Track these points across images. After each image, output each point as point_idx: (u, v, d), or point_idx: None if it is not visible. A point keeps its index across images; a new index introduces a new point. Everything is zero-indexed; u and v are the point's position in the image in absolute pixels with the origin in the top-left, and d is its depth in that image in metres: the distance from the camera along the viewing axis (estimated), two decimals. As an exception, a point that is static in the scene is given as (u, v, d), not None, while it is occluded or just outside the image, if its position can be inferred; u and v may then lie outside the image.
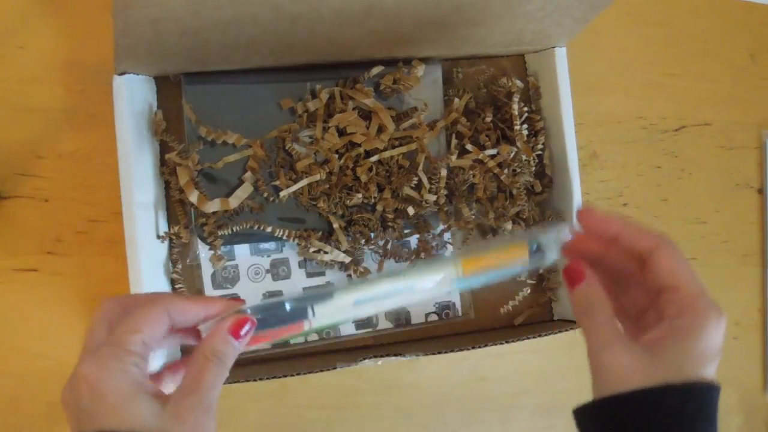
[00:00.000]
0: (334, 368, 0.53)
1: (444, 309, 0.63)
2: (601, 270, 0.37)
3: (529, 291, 0.65)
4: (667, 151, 0.75)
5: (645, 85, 0.75)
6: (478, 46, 0.61)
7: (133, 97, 0.53)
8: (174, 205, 0.57)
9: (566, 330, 0.60)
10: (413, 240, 0.61)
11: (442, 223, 0.61)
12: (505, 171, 0.61)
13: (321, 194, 0.57)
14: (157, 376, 0.38)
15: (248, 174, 0.56)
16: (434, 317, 0.63)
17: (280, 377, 0.52)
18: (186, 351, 0.55)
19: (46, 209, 0.57)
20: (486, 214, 0.61)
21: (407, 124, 0.59)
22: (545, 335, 0.59)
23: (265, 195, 0.57)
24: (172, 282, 0.57)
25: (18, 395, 0.55)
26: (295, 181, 0.56)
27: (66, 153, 0.57)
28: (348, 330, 0.61)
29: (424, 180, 0.59)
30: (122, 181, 0.51)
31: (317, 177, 0.56)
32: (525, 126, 0.62)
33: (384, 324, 0.62)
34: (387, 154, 0.58)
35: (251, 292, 0.59)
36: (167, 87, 0.57)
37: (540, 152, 0.63)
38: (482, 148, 0.62)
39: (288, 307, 0.38)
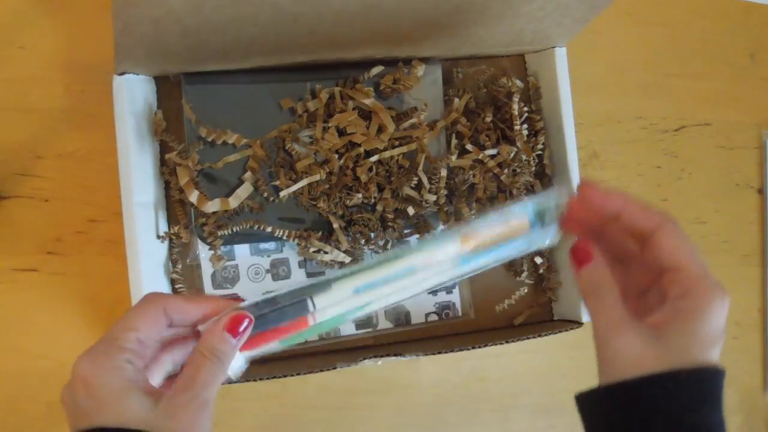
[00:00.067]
0: (334, 368, 0.53)
1: (444, 309, 0.63)
2: (603, 248, 0.36)
3: (526, 290, 0.65)
4: (667, 151, 0.75)
5: (645, 85, 0.75)
6: (478, 46, 0.61)
7: (133, 97, 0.53)
8: (174, 205, 0.57)
9: (566, 330, 0.60)
10: (413, 240, 0.61)
11: (442, 223, 0.61)
12: (505, 171, 0.61)
13: (321, 194, 0.57)
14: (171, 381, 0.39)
15: (248, 174, 0.56)
16: (434, 317, 0.63)
17: (280, 377, 0.52)
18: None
19: (46, 209, 0.57)
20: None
21: (407, 124, 0.59)
22: (545, 335, 0.59)
23: (265, 195, 0.57)
24: (172, 282, 0.57)
25: (18, 395, 0.55)
26: (295, 181, 0.56)
27: (66, 153, 0.57)
28: (348, 330, 0.61)
29: (424, 180, 0.59)
30: (122, 181, 0.51)
31: (317, 177, 0.56)
32: (525, 126, 0.62)
33: (384, 324, 0.62)
34: (387, 154, 0.58)
35: (251, 292, 0.59)
36: (167, 87, 0.57)
37: (540, 152, 0.63)
38: (482, 148, 0.62)
39: (286, 300, 0.38)
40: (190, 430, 0.32)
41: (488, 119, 0.62)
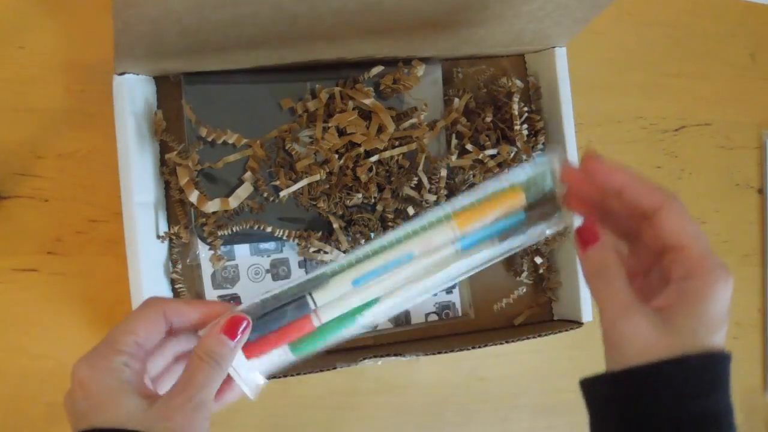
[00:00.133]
0: (334, 368, 0.53)
1: (444, 309, 0.63)
2: (607, 227, 0.35)
3: (526, 290, 0.65)
4: (667, 151, 0.75)
5: (645, 85, 0.75)
6: (478, 46, 0.61)
7: (133, 97, 0.53)
8: (174, 205, 0.57)
9: (566, 330, 0.60)
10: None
11: (442, 223, 0.61)
12: (506, 171, 0.61)
13: (321, 194, 0.57)
14: None
15: (248, 174, 0.56)
16: (434, 317, 0.63)
17: (280, 377, 0.52)
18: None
19: (46, 209, 0.57)
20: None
21: (407, 124, 0.59)
22: (545, 335, 0.59)
23: (265, 195, 0.57)
24: (172, 282, 0.57)
25: (18, 395, 0.55)
26: (295, 181, 0.56)
27: (66, 153, 0.57)
28: (348, 330, 0.61)
29: (424, 180, 0.59)
30: (122, 181, 0.51)
31: (317, 177, 0.56)
32: (525, 126, 0.62)
33: (384, 324, 0.62)
34: (387, 154, 0.58)
35: (251, 292, 0.59)
36: (167, 87, 0.57)
37: (540, 152, 0.63)
38: (482, 148, 0.62)
39: (284, 297, 0.37)
40: (185, 431, 0.33)
41: (488, 119, 0.62)
